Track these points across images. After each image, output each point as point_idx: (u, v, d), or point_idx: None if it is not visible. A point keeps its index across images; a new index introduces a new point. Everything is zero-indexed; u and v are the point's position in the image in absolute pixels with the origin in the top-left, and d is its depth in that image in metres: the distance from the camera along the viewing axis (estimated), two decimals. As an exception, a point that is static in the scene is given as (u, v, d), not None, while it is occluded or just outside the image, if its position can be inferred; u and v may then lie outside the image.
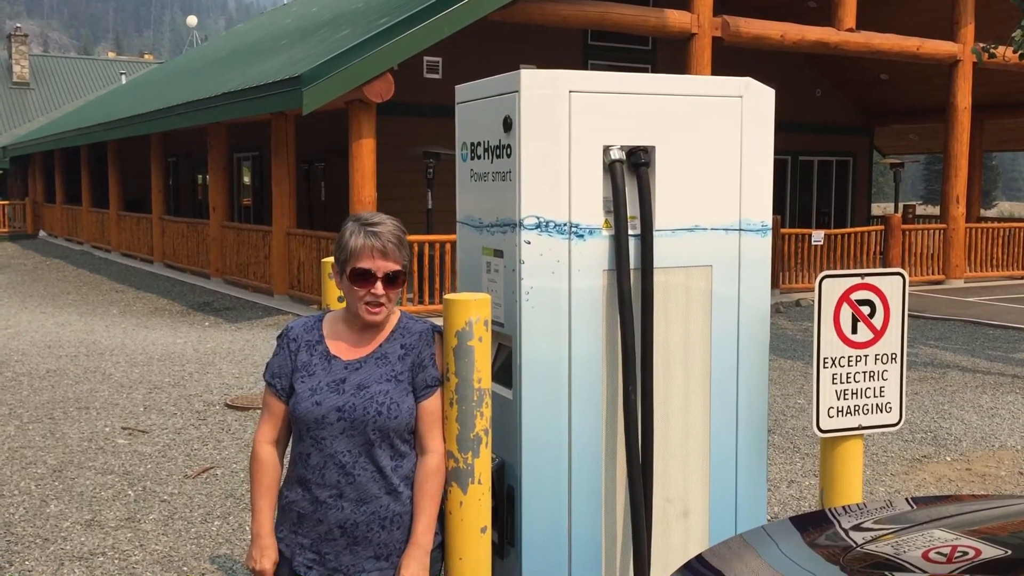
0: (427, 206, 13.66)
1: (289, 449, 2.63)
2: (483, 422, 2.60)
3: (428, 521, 2.50)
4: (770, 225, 3.01)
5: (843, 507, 2.44)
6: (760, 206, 3.01)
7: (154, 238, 20.39)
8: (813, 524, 2.30)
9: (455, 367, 2.59)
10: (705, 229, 2.94)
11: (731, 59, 15.85)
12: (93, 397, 8.11)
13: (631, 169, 2.85)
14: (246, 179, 22.27)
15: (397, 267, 2.47)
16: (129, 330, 12.17)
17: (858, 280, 2.96)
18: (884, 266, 16.97)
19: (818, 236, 16.41)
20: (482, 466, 2.61)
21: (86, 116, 26.69)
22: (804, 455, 6.67)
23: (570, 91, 2.77)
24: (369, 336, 2.55)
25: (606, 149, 2.83)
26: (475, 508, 2.59)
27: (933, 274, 17.59)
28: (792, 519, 2.39)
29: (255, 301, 14.67)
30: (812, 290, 15.57)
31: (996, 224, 19.50)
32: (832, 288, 2.95)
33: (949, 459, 6.66)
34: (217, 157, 16.91)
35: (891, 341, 3.00)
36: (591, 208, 2.83)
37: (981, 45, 12.35)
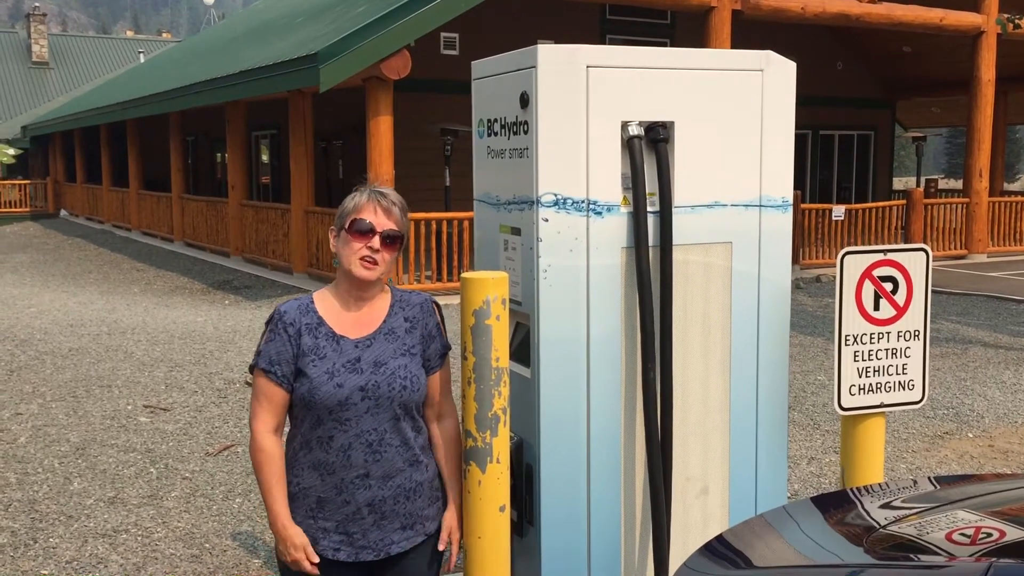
0: (445, 183, 13.62)
1: (287, 436, 2.55)
2: (501, 401, 2.59)
3: (460, 483, 2.62)
4: (791, 201, 2.97)
5: (865, 487, 2.41)
6: (781, 182, 2.97)
7: (174, 217, 20.47)
8: (835, 504, 2.28)
9: (472, 346, 2.57)
10: (725, 205, 2.91)
11: (750, 32, 15.66)
12: (115, 375, 8.17)
13: (650, 145, 2.82)
14: (264, 157, 22.29)
15: (398, 229, 2.49)
16: (150, 308, 12.24)
17: (880, 256, 2.92)
18: (906, 241, 16.82)
19: (839, 211, 16.27)
20: (500, 445, 2.60)
21: (105, 95, 26.76)
22: (824, 432, 6.64)
23: (588, 66, 2.73)
24: (369, 312, 2.52)
25: (624, 125, 2.79)
26: (494, 487, 2.59)
27: (956, 249, 17.42)
28: (813, 499, 2.37)
29: (274, 279, 14.72)
30: (832, 266, 15.45)
31: (1020, 198, 19.26)
32: (854, 264, 2.91)
33: (971, 436, 6.61)
34: (235, 135, 16.92)
35: (914, 318, 2.96)
36: (609, 185, 2.79)
37: (1006, 16, 12.15)
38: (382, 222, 2.45)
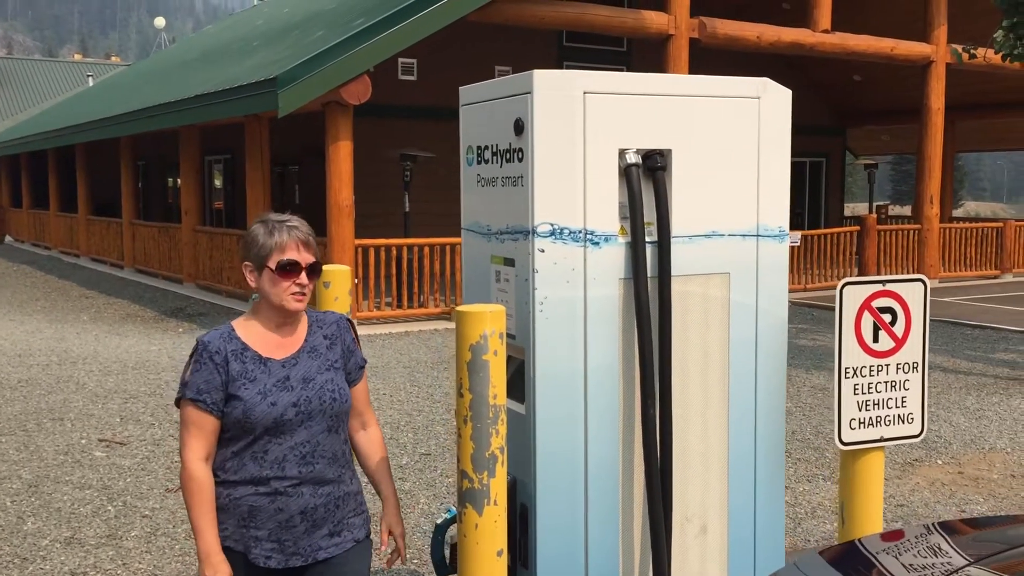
0: (404, 209, 13.50)
1: (217, 459, 2.56)
2: (499, 440, 2.48)
3: (393, 482, 2.75)
4: (788, 230, 2.92)
5: (875, 540, 2.33)
6: (778, 211, 2.91)
7: (124, 243, 20.05)
8: (848, 562, 2.18)
9: (469, 382, 2.46)
10: (723, 235, 2.84)
11: (706, 61, 15.82)
12: (67, 408, 7.89)
13: (647, 173, 2.74)
14: (217, 182, 21.98)
15: (316, 259, 2.59)
16: (101, 337, 11.90)
17: (879, 287, 2.87)
18: (859, 266, 17.03)
19: (795, 237, 16.41)
20: (498, 486, 2.49)
21: (53, 119, 26.24)
22: (796, 460, 6.60)
23: (585, 92, 2.65)
24: (290, 333, 2.61)
25: (622, 152, 2.71)
26: (491, 531, 2.47)
27: (908, 274, 17.66)
28: (823, 554, 2.27)
29: (229, 306, 14.42)
30: (793, 291, 15.57)
31: (969, 224, 19.65)
32: (853, 295, 2.85)
33: (940, 462, 6.62)
34: (189, 160, 16.64)
35: (913, 349, 2.91)
36: (607, 214, 2.71)
37: (961, 46, 12.40)
38: (305, 257, 2.56)
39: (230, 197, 21.01)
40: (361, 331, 12.01)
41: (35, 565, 4.68)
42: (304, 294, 2.55)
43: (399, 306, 12.80)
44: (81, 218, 22.83)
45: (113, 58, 65.84)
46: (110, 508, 5.48)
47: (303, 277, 2.54)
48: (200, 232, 16.42)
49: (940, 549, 2.20)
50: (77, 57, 67.72)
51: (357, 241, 12.32)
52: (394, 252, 12.76)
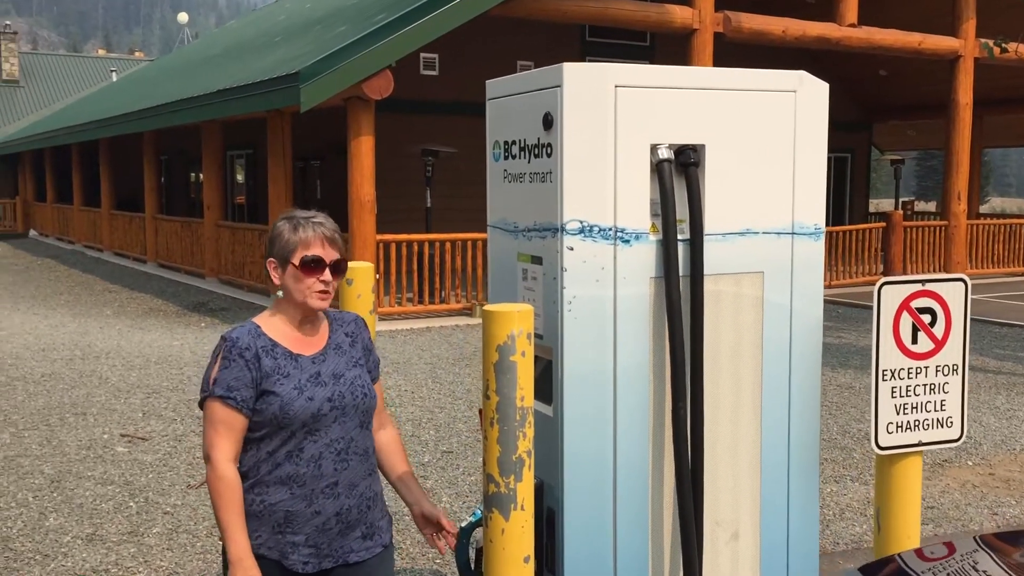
0: (426, 204, 13.45)
1: (246, 460, 2.49)
2: (526, 443, 2.42)
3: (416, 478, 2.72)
4: (823, 228, 2.83)
5: (915, 555, 2.24)
6: (813, 207, 2.82)
7: (147, 237, 20.13)
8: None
9: (496, 384, 2.40)
10: (756, 233, 2.76)
11: (731, 55, 15.68)
12: (90, 402, 7.89)
13: (679, 169, 2.66)
14: (240, 177, 22.02)
15: (341, 257, 2.54)
16: (124, 332, 11.93)
17: (919, 287, 2.78)
18: (885, 263, 16.84)
19: (820, 233, 16.22)
20: (525, 490, 2.42)
21: (77, 114, 26.39)
22: (822, 460, 6.50)
23: (616, 85, 2.58)
24: (313, 331, 2.57)
25: (653, 148, 2.64)
26: (518, 536, 2.41)
27: (934, 271, 17.46)
28: (864, 571, 2.18)
29: (251, 301, 14.44)
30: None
31: (997, 220, 19.38)
32: (891, 296, 2.77)
33: (971, 463, 6.50)
34: (211, 155, 16.66)
35: (953, 351, 2.82)
36: (638, 211, 2.64)
37: (992, 40, 12.20)
38: (329, 253, 2.51)
39: (252, 192, 21.04)
40: (382, 326, 11.98)
41: (56, 562, 4.66)
42: (328, 292, 2.50)
43: (420, 302, 12.75)
44: (104, 212, 22.95)
45: (136, 53, 66.21)
46: (132, 504, 5.47)
47: (327, 274, 2.49)
48: (222, 227, 16.45)
49: (983, 563, 2.11)
50: (101, 52, 68.09)
51: (379, 237, 12.28)
52: (416, 248, 12.71)
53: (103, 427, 7.13)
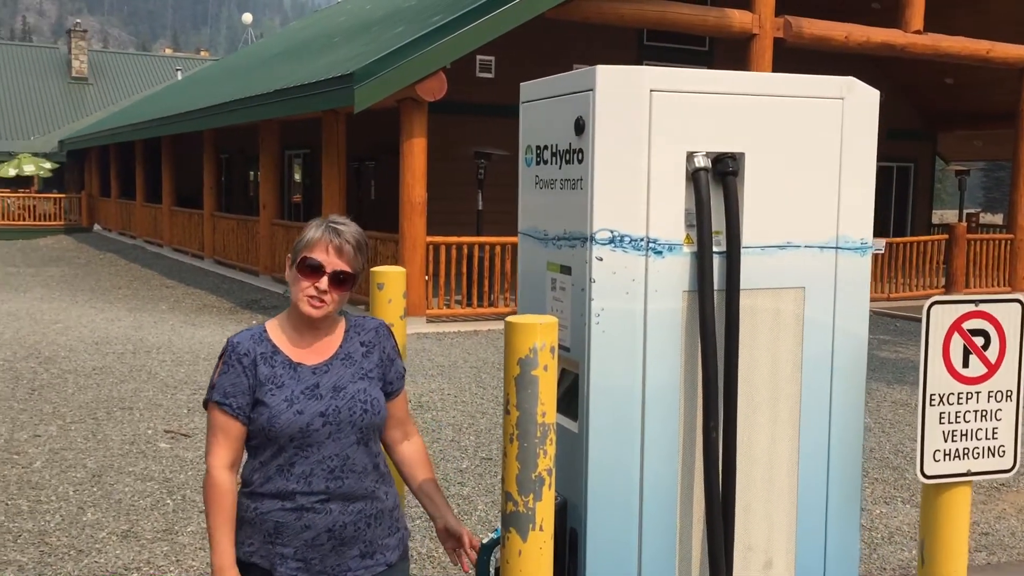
0: (477, 207, 13.41)
1: (244, 469, 2.45)
2: (547, 461, 2.32)
3: (442, 491, 2.64)
4: (871, 243, 2.69)
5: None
6: (860, 221, 2.68)
7: (205, 234, 20.41)
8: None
9: (516, 399, 2.30)
10: (798, 247, 2.63)
11: (791, 60, 15.39)
12: (137, 397, 7.97)
13: (717, 178, 2.54)
14: (297, 176, 22.23)
15: (348, 269, 2.41)
16: (177, 327, 12.08)
17: (972, 307, 2.63)
18: (947, 277, 16.37)
19: (879, 244, 15.84)
20: (544, 510, 2.32)
21: (141, 111, 26.89)
22: (873, 480, 6.30)
23: (651, 90, 2.47)
24: (324, 339, 2.48)
25: (690, 156, 2.52)
26: (536, 559, 2.31)
27: (998, 286, 16.95)
28: None
29: (303, 300, 14.52)
30: (875, 300, 15.02)
31: (1066, 235, 18.73)
32: (942, 316, 2.61)
33: (1030, 489, 6.25)
34: (268, 154, 16.83)
35: (1007, 376, 2.66)
36: (671, 222, 2.52)
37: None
38: (332, 262, 2.39)
39: (308, 191, 21.23)
40: (429, 329, 11.96)
41: (90, 558, 4.67)
42: (322, 300, 2.38)
43: (469, 304, 12.71)
44: (165, 209, 23.35)
45: (202, 53, 67.38)
46: (169, 502, 5.48)
47: (323, 282, 2.38)
48: (277, 225, 16.60)
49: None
50: (168, 51, 69.41)
51: (429, 238, 12.27)
52: (465, 250, 12.68)
53: (148, 422, 7.19)
